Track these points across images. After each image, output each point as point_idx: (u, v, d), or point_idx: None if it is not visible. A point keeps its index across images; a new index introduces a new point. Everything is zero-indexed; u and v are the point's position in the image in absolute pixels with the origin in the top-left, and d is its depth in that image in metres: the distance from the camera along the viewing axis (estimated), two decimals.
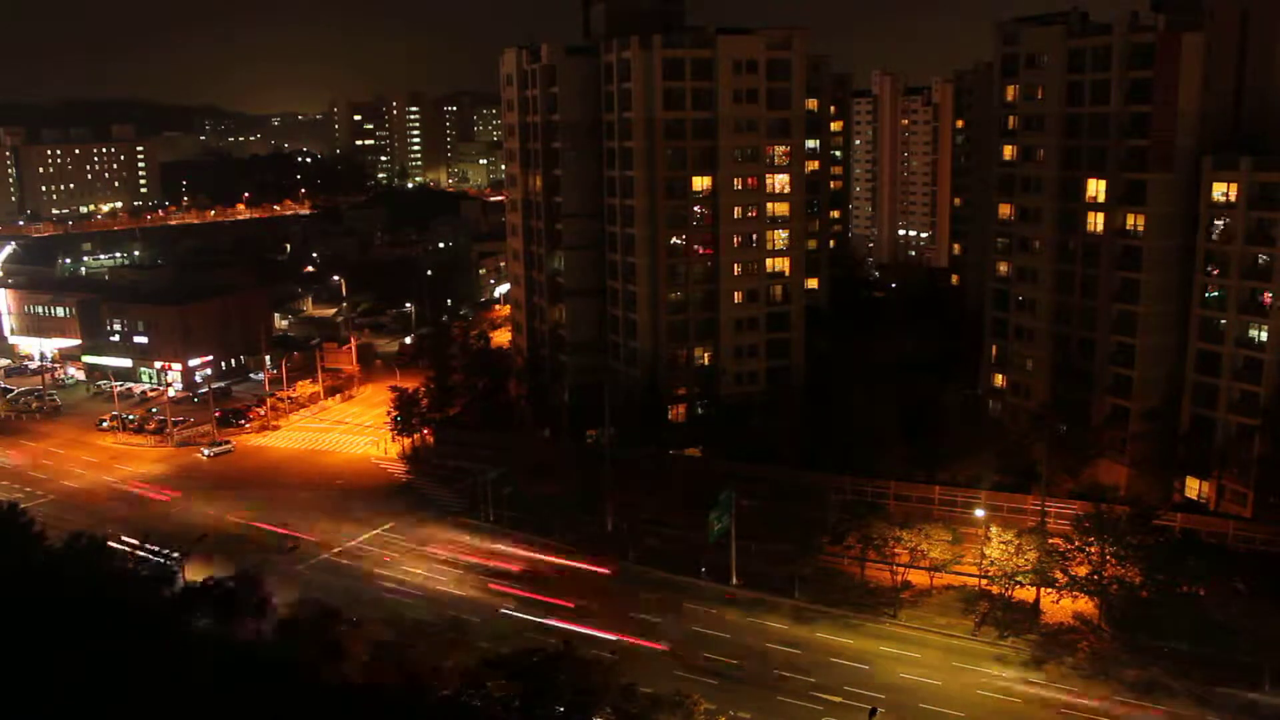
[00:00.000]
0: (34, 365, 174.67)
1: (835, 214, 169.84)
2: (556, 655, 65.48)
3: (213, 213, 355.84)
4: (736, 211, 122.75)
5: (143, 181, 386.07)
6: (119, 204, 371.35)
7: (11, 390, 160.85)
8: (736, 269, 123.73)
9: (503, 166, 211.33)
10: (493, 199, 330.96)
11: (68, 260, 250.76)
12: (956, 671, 78.82)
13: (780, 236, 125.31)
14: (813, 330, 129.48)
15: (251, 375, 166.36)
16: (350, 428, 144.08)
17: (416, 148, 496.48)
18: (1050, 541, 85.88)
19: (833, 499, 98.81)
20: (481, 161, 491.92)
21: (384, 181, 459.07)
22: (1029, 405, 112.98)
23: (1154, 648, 78.53)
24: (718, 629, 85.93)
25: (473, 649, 76.87)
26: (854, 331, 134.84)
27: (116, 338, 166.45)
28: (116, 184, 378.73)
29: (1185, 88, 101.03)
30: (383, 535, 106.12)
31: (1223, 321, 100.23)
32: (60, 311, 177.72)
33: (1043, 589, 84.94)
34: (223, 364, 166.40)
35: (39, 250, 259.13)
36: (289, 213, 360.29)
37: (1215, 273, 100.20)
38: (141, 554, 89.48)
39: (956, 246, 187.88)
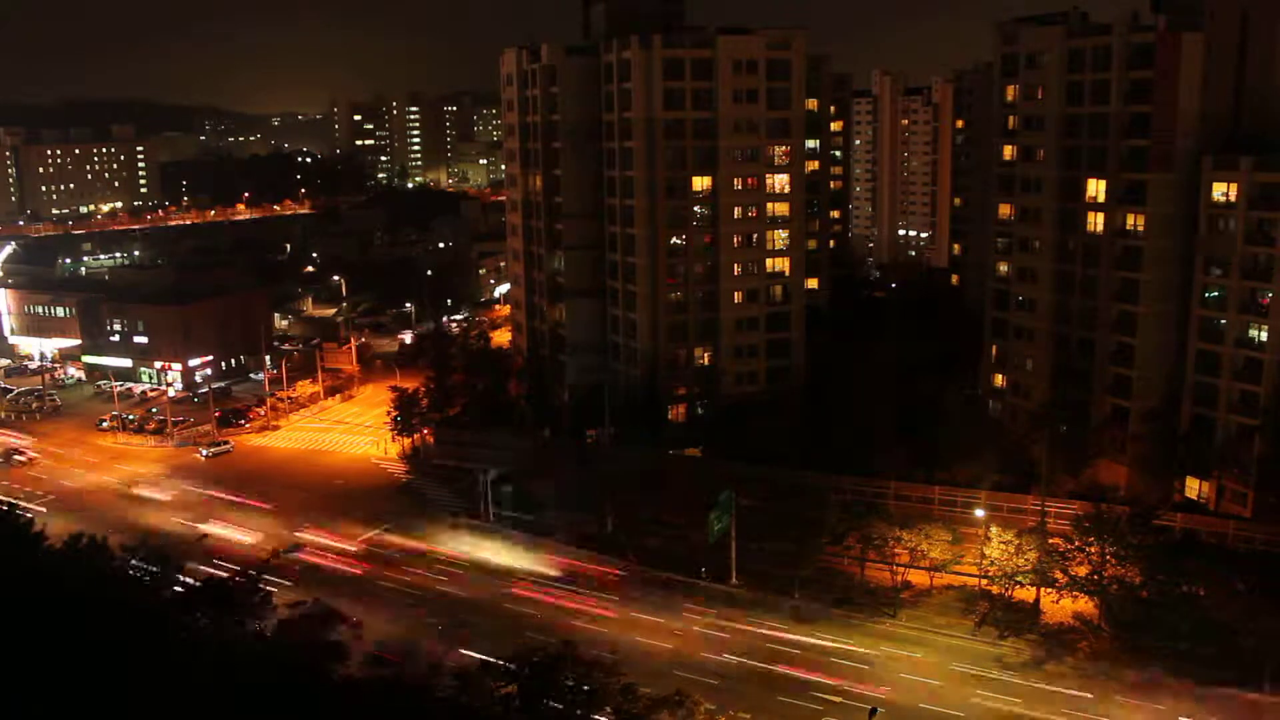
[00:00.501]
0: (34, 365, 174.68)
1: (835, 214, 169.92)
2: (557, 655, 65.42)
3: (213, 213, 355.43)
4: (736, 211, 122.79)
5: (143, 181, 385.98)
6: (119, 204, 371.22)
7: (12, 390, 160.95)
8: (736, 269, 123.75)
9: (503, 166, 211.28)
10: (492, 199, 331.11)
11: (68, 260, 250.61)
12: (956, 671, 78.85)
13: (780, 236, 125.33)
14: (813, 330, 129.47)
15: (251, 375, 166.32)
16: (350, 428, 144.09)
17: (416, 148, 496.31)
18: (1050, 541, 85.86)
19: (833, 499, 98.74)
20: (481, 161, 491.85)
21: (384, 181, 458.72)
22: (1029, 405, 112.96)
23: (1154, 648, 78.48)
24: (718, 629, 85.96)
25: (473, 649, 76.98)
26: (854, 331, 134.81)
27: (116, 338, 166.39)
28: (116, 184, 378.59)
29: (1185, 88, 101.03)
30: (382, 535, 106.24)
31: (1223, 321, 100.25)
32: (60, 311, 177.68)
33: (1043, 589, 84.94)
34: (223, 364, 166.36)
35: (39, 250, 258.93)
36: (289, 213, 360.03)
37: (1217, 272, 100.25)
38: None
39: (956, 246, 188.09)
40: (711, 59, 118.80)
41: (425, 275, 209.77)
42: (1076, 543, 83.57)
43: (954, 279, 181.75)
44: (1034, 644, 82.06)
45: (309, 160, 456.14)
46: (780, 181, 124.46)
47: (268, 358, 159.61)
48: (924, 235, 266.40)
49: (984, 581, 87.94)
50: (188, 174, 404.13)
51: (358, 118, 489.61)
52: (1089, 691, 75.80)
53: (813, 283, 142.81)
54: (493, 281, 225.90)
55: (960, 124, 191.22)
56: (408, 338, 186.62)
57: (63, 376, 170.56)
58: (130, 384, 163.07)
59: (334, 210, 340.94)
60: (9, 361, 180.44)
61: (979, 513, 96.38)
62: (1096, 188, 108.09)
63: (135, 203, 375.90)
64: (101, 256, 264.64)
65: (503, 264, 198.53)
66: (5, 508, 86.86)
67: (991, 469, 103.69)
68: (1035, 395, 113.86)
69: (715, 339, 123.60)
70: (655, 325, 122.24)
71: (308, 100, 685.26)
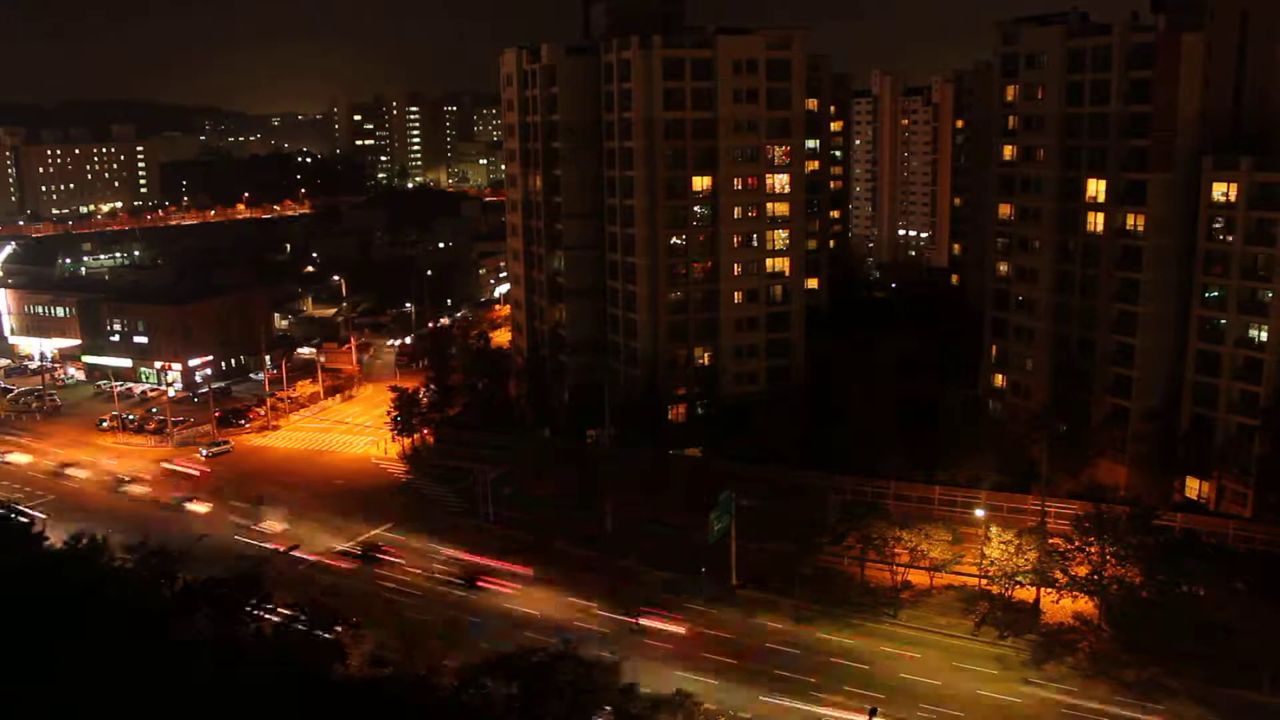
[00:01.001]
0: (34, 365, 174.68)
1: (835, 214, 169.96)
2: (557, 655, 65.40)
3: (213, 213, 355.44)
4: (736, 211, 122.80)
5: (143, 181, 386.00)
6: (119, 204, 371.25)
7: (12, 390, 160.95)
8: (736, 269, 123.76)
9: (503, 166, 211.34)
10: (489, 199, 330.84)
11: (68, 260, 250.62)
12: (956, 671, 78.83)
13: (780, 236, 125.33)
14: (813, 330, 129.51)
15: (251, 375, 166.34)
16: (350, 428, 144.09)
17: (416, 148, 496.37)
18: (1050, 541, 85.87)
19: (833, 499, 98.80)
20: (481, 161, 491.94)
21: (384, 181, 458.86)
22: (1029, 405, 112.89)
23: (1154, 648, 78.49)
24: (718, 629, 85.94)
25: (473, 649, 76.87)
26: (854, 331, 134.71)
27: (116, 338, 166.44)
28: (116, 184, 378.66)
29: (1185, 88, 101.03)
30: (383, 535, 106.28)
31: (1223, 321, 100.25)
32: (60, 311, 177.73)
33: (1043, 589, 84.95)
34: (223, 364, 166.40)
35: (39, 250, 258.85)
36: (289, 213, 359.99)
37: (1217, 272, 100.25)
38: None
39: (956, 246, 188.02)
40: (711, 59, 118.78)
41: (425, 275, 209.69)
42: (1076, 543, 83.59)
43: (954, 279, 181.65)
44: (1034, 644, 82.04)
45: (309, 160, 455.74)
46: (780, 181, 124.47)
47: (268, 358, 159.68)
48: (924, 235, 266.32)
49: (984, 581, 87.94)
50: (188, 174, 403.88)
51: (358, 118, 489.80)
52: (1089, 691, 75.79)
53: (813, 283, 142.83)
54: (493, 282, 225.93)
55: (960, 124, 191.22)
56: (408, 338, 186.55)
57: (63, 376, 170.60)
58: (130, 384, 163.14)
59: (334, 210, 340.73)
60: (9, 361, 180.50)
61: (979, 513, 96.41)
62: (1096, 188, 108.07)
63: (135, 203, 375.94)
64: (101, 256, 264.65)
65: (503, 264, 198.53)
66: (5, 507, 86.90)
67: (991, 469, 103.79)
68: (1035, 395, 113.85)
69: (715, 339, 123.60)
70: (655, 325, 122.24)
71: (308, 100, 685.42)
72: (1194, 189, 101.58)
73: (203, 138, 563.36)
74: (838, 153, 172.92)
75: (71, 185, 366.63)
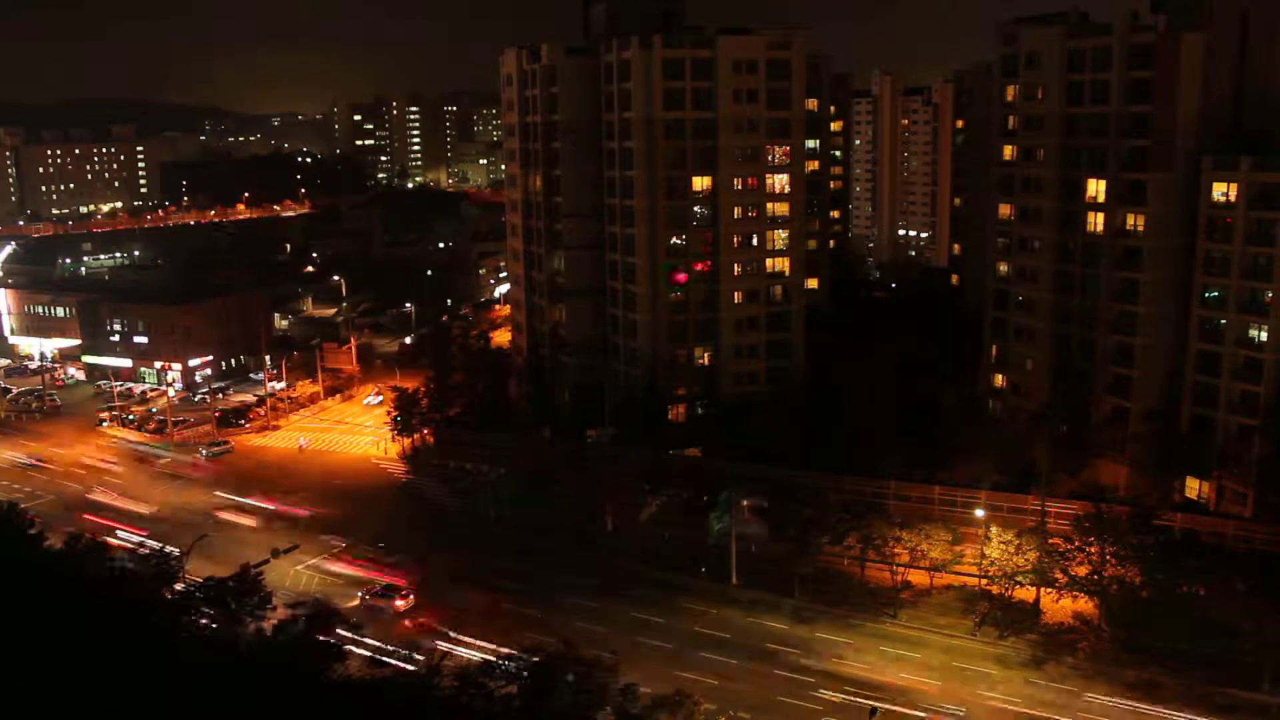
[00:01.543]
0: (34, 365, 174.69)
1: (835, 214, 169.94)
2: (557, 655, 65.37)
3: (213, 213, 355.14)
4: (736, 211, 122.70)
5: (143, 181, 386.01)
6: (119, 204, 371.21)
7: (12, 390, 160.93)
8: (736, 269, 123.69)
9: (503, 166, 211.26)
10: (490, 198, 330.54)
11: (68, 260, 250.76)
12: (956, 671, 78.85)
13: (780, 236, 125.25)
14: (813, 330, 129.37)
15: (251, 375, 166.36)
16: (350, 428, 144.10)
17: (416, 148, 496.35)
18: (1050, 541, 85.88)
19: (833, 499, 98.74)
20: (481, 161, 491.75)
21: (384, 181, 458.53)
22: (1029, 405, 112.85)
23: (1154, 648, 78.50)
24: (718, 629, 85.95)
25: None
26: (854, 331, 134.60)
27: (116, 338, 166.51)
28: (116, 184, 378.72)
29: (1185, 88, 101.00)
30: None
31: (1223, 321, 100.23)
32: (60, 311, 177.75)
33: (1043, 589, 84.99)
34: (223, 364, 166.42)
35: (39, 250, 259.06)
36: (289, 213, 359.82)
37: (1217, 272, 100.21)
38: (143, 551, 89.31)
39: (956, 246, 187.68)
40: (711, 59, 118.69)
41: (425, 275, 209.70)
42: (1076, 543, 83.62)
43: (954, 279, 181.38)
44: (1034, 644, 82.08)
45: (309, 160, 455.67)
46: (780, 181, 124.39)
47: (268, 358, 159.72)
48: (924, 235, 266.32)
49: (984, 581, 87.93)
50: (188, 174, 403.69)
51: (358, 118, 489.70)
52: (1089, 691, 75.78)
53: (813, 283, 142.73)
54: (493, 281, 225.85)
55: (960, 124, 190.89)
56: (408, 338, 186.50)
57: (63, 376, 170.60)
58: (130, 384, 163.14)
59: (334, 210, 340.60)
60: (9, 361, 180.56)
61: (979, 513, 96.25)
62: (1096, 188, 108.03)
63: (135, 203, 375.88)
64: (101, 256, 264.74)
65: (503, 264, 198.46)
66: (5, 507, 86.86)
67: (991, 469, 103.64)
68: (1035, 395, 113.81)
69: (715, 339, 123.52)
70: (655, 325, 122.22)
71: (308, 100, 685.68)
72: (1194, 189, 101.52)
73: (203, 138, 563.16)
74: (838, 153, 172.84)
75: (71, 185, 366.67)
